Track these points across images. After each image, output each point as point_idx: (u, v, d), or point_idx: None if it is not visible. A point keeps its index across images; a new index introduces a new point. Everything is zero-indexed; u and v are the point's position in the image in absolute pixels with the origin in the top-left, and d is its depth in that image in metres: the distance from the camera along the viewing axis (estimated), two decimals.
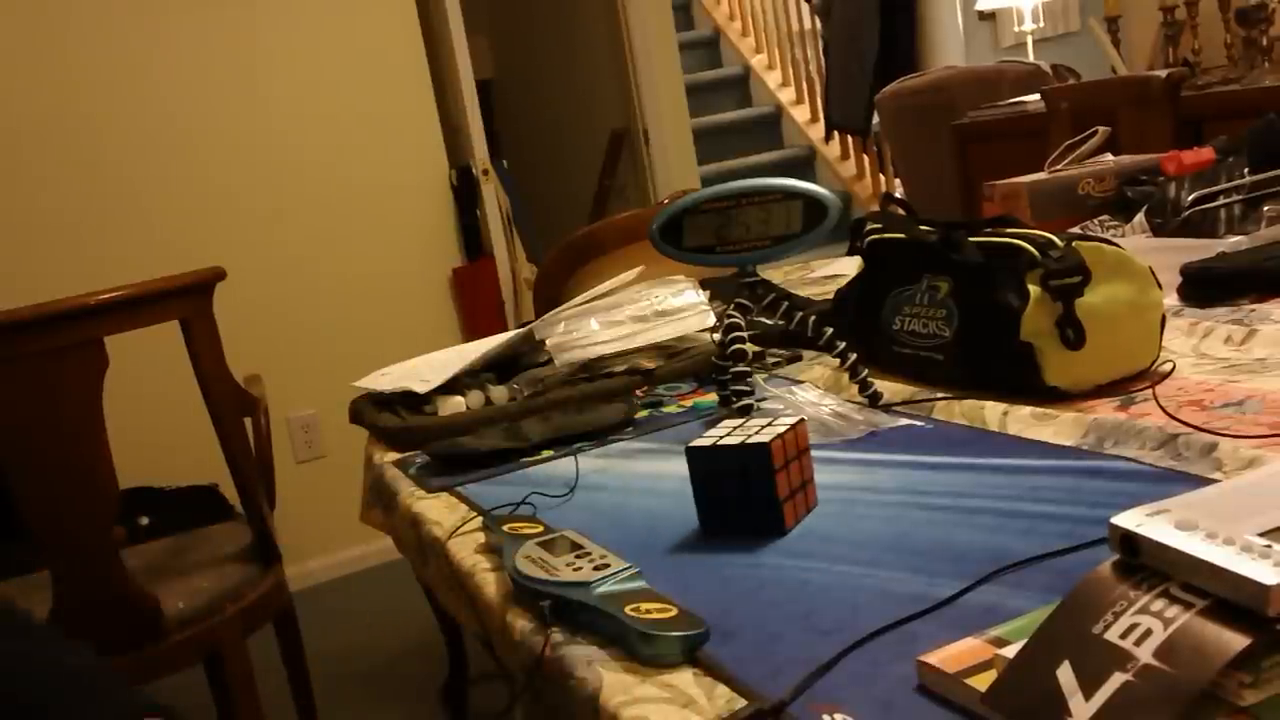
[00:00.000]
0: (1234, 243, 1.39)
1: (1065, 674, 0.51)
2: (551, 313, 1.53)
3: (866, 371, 1.17)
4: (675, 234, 1.18)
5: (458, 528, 1.04)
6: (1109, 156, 1.92)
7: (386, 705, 2.36)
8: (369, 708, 2.35)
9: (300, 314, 3.15)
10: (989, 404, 1.06)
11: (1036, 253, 1.04)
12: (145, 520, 2.50)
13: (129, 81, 2.93)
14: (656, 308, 1.48)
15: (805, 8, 5.73)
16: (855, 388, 1.17)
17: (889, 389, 1.18)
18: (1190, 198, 1.55)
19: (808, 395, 1.19)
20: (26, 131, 2.85)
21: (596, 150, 4.44)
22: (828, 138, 5.73)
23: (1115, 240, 1.14)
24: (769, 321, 1.31)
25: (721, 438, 0.90)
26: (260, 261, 3.09)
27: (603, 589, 0.76)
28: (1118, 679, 0.48)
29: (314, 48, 3.13)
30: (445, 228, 3.34)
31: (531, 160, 4.99)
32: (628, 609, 0.72)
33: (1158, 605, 0.50)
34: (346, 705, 2.36)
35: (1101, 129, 1.94)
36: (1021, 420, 1.01)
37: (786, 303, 1.21)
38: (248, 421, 1.87)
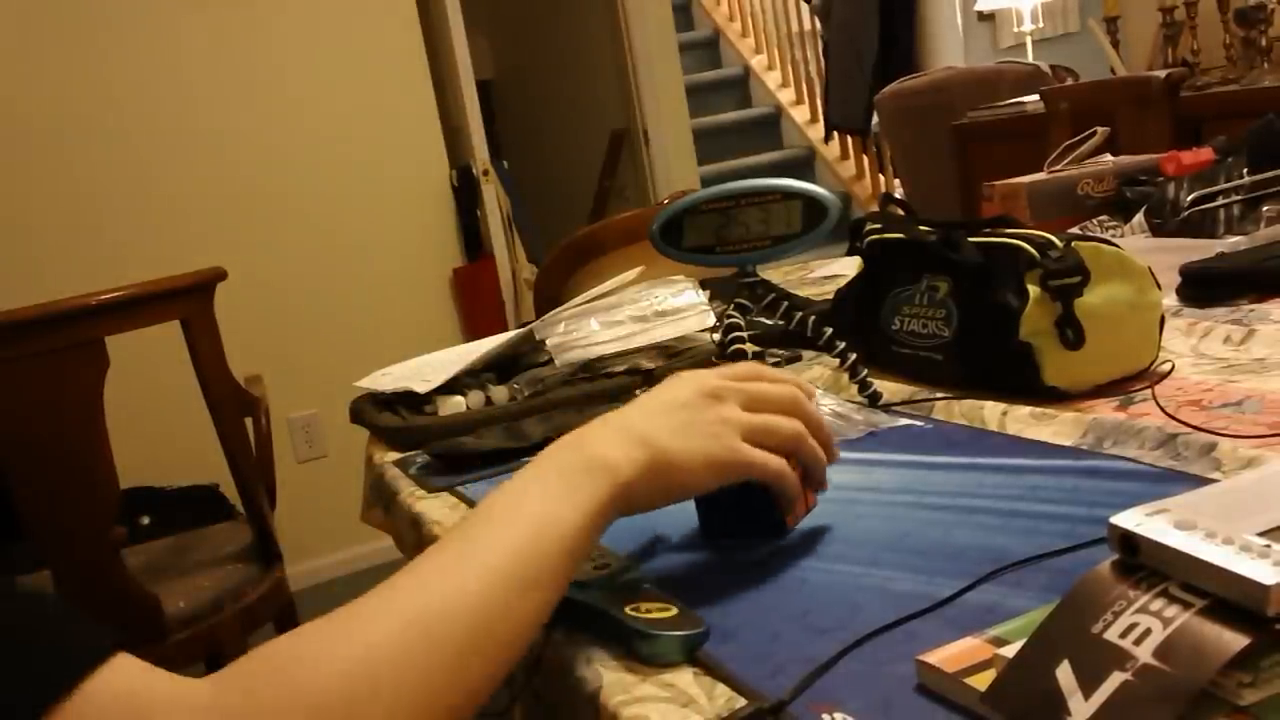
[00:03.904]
0: (1233, 243, 1.39)
1: (1064, 673, 0.51)
2: (551, 313, 1.53)
3: (866, 371, 1.17)
4: (675, 234, 1.18)
5: None
6: (1108, 156, 1.92)
7: None
8: None
9: (300, 314, 3.15)
10: (988, 404, 1.06)
11: (1036, 253, 1.04)
12: (145, 520, 2.50)
13: (129, 82, 2.93)
14: (656, 308, 1.48)
15: (805, 8, 5.73)
16: (855, 388, 1.17)
17: (889, 389, 1.18)
18: (1190, 198, 1.55)
19: None
20: (27, 132, 2.85)
21: (596, 150, 4.44)
22: (827, 138, 5.74)
23: (1115, 240, 1.14)
24: (769, 321, 1.31)
25: None
26: (260, 261, 3.09)
27: (603, 589, 0.76)
28: (1117, 678, 0.49)
29: (314, 48, 3.13)
30: (445, 228, 3.34)
31: (531, 160, 4.99)
32: (628, 609, 0.72)
33: (1157, 605, 0.50)
34: None
35: (1101, 129, 1.93)
36: (1021, 420, 1.01)
37: (786, 303, 1.21)
38: (248, 421, 1.87)
